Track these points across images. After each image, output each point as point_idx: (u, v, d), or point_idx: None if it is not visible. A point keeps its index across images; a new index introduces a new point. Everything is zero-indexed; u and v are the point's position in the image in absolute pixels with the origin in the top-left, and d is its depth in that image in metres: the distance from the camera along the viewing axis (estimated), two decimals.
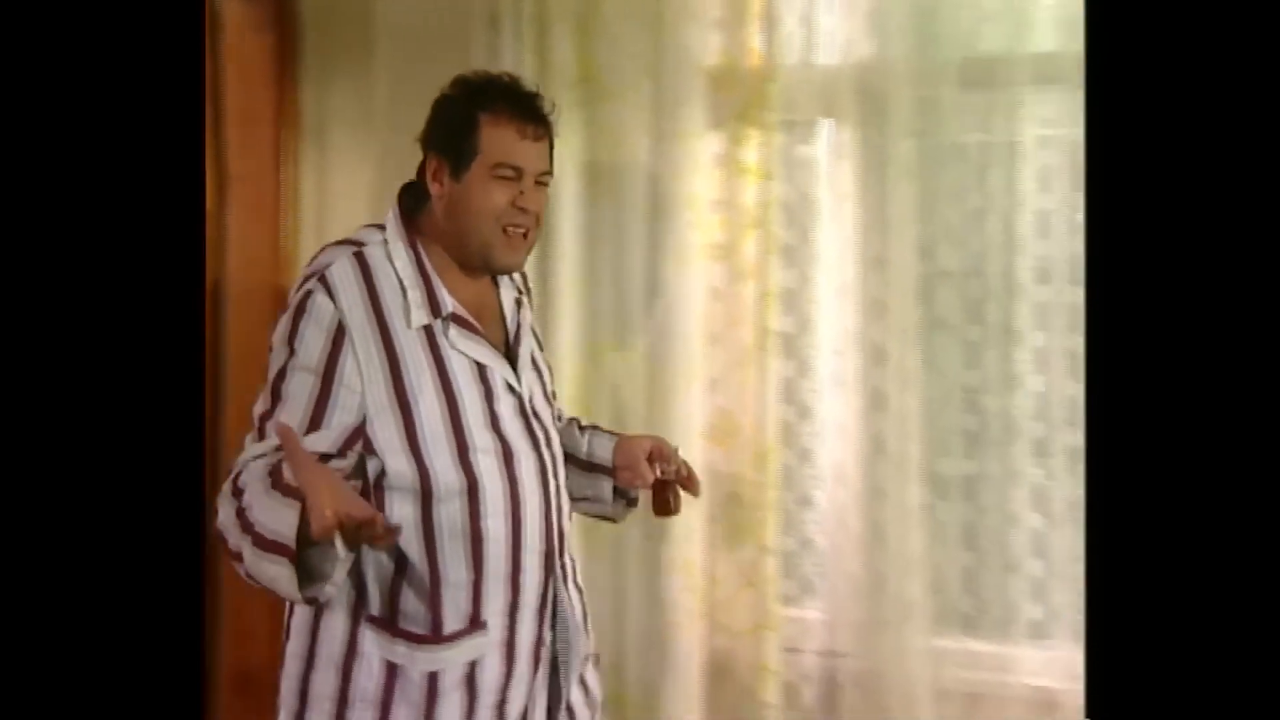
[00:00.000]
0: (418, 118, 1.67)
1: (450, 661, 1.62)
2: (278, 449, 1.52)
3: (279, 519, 1.44)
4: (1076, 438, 2.00)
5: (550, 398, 1.80)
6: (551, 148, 1.69)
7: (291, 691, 1.68)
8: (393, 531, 1.47)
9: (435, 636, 1.61)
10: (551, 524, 1.70)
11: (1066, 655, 2.01)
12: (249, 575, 1.50)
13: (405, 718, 1.63)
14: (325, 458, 1.55)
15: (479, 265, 1.68)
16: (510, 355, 1.71)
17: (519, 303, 1.78)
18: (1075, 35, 1.99)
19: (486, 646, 1.64)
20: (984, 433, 2.08)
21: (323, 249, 1.72)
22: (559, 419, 1.85)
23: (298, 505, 1.41)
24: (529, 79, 1.81)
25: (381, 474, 1.58)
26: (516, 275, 1.80)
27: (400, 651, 1.61)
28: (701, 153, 2.18)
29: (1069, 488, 2.01)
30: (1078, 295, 2.01)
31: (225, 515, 1.52)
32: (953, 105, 2.07)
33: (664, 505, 1.81)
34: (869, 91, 2.10)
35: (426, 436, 1.59)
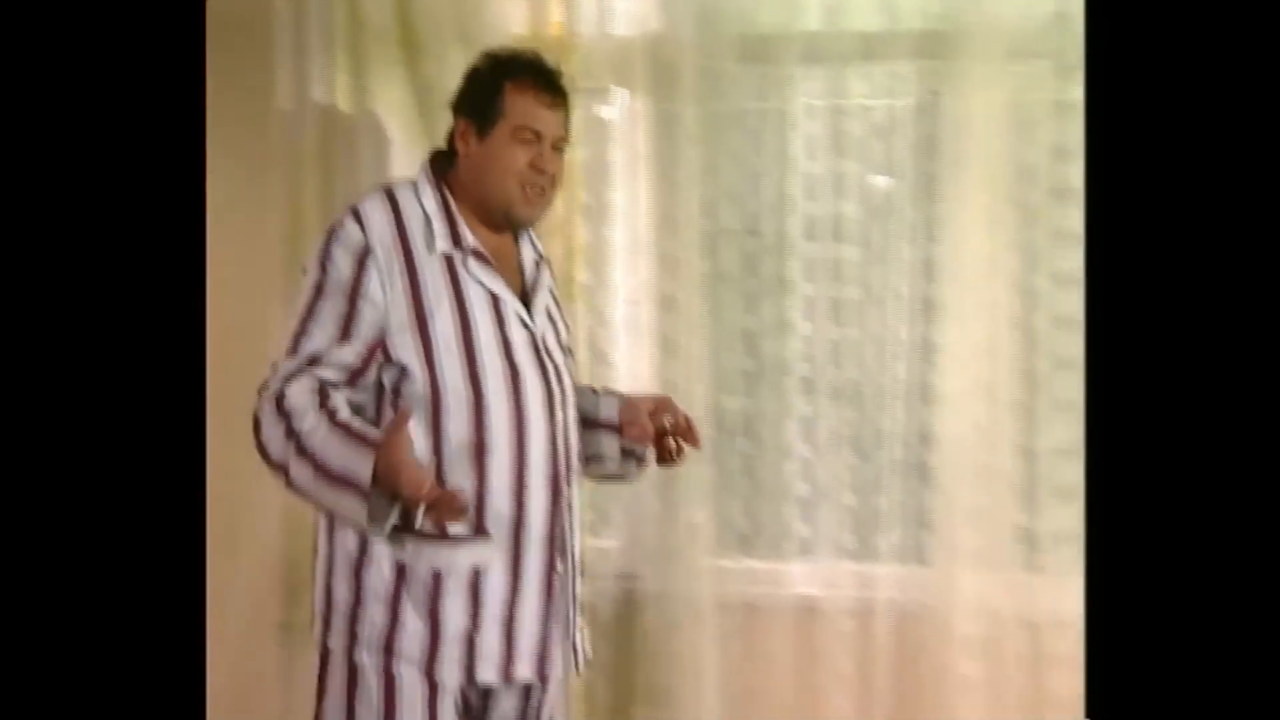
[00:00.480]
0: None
1: (453, 562, 1.73)
2: (310, 362, 1.70)
3: (353, 460, 1.62)
4: (839, 375, 2.27)
5: (566, 348, 1.91)
6: (568, 117, 1.84)
7: (320, 598, 1.81)
8: (465, 509, 1.63)
9: (440, 534, 1.72)
10: (558, 451, 1.80)
11: (828, 567, 2.29)
12: (300, 490, 1.68)
13: (412, 614, 1.74)
14: (351, 370, 1.71)
15: (500, 219, 1.81)
16: (525, 299, 1.83)
17: (538, 264, 1.90)
18: (839, 16, 2.25)
19: (489, 555, 1.75)
20: (761, 373, 2.31)
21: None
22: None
23: (372, 453, 1.60)
24: (344, 40, 1.93)
25: (401, 378, 1.71)
26: (539, 243, 1.93)
27: (408, 549, 1.72)
28: None
29: (833, 421, 2.28)
30: (841, 250, 2.27)
31: (272, 432, 1.68)
32: (732, 77, 2.29)
33: (665, 454, 1.89)
34: (660, 62, 2.29)
35: (440, 351, 1.72)
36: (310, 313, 1.74)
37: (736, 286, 2.33)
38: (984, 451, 2.23)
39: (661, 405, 1.90)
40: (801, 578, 2.32)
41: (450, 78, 1.92)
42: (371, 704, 1.74)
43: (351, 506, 1.63)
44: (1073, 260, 2.21)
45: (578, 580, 1.85)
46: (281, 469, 1.68)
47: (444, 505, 1.59)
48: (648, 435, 1.88)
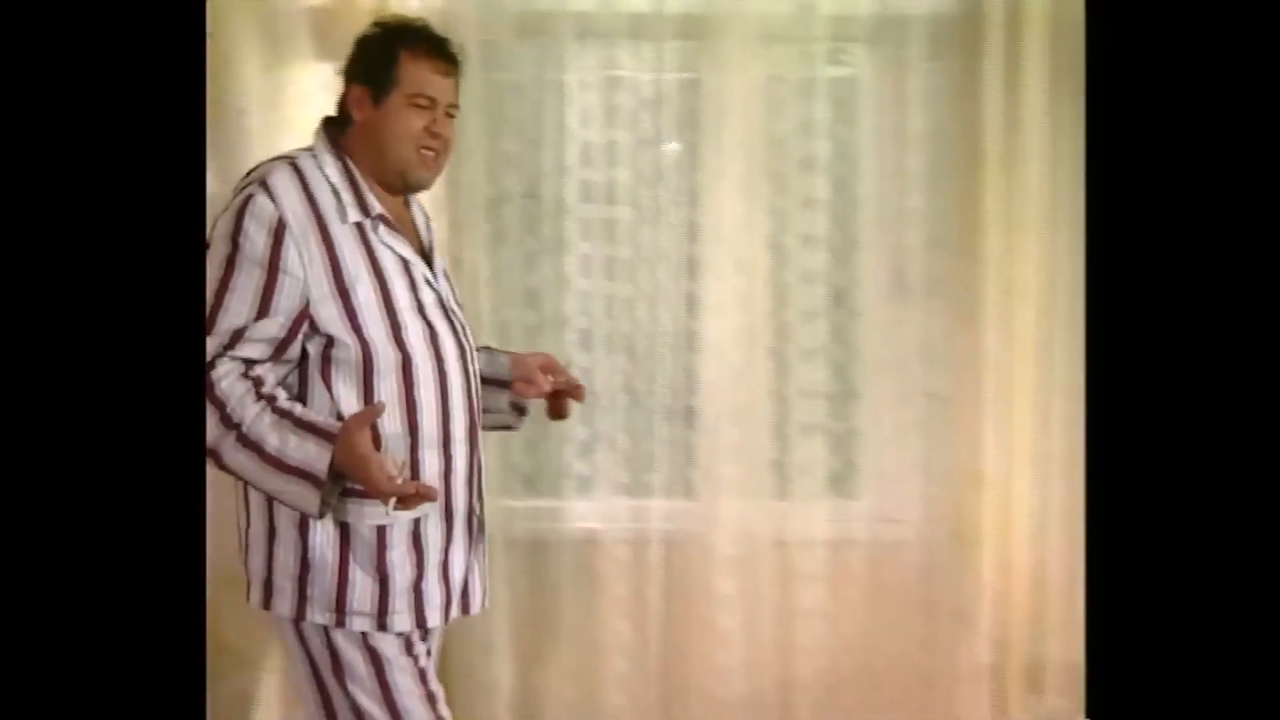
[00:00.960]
0: None
1: (396, 517, 1.75)
2: (233, 338, 1.68)
3: (308, 452, 1.64)
4: (613, 327, 2.46)
5: (460, 305, 1.94)
6: (459, 83, 1.87)
7: (259, 565, 1.79)
8: (435, 497, 1.69)
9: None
10: (472, 401, 1.86)
11: (605, 503, 2.49)
12: (236, 474, 1.70)
13: (359, 573, 1.75)
14: (277, 342, 1.70)
15: (396, 182, 1.83)
16: (427, 260, 1.87)
17: (429, 225, 1.95)
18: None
19: (426, 505, 1.76)
20: (541, 327, 2.46)
21: (256, 166, 1.82)
22: None
23: (329, 445, 1.63)
24: None
25: (329, 346, 1.71)
26: (425, 205, 1.96)
27: (350, 509, 1.74)
28: (309, 82, 2.35)
29: (608, 370, 2.47)
30: (614, 212, 2.45)
31: (209, 419, 1.66)
32: (512, 51, 2.41)
33: (557, 410, 2.00)
34: (446, 34, 2.39)
35: (364, 317, 1.73)
36: (226, 288, 1.70)
37: (518, 246, 2.46)
38: (742, 394, 2.46)
39: (548, 365, 1.99)
40: (581, 513, 2.50)
41: (244, 51, 1.95)
42: (326, 664, 1.77)
43: (302, 494, 1.65)
44: (818, 224, 2.48)
45: (482, 517, 1.92)
46: (212, 454, 1.67)
47: (420, 497, 1.64)
48: (540, 391, 1.97)
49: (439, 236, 2.49)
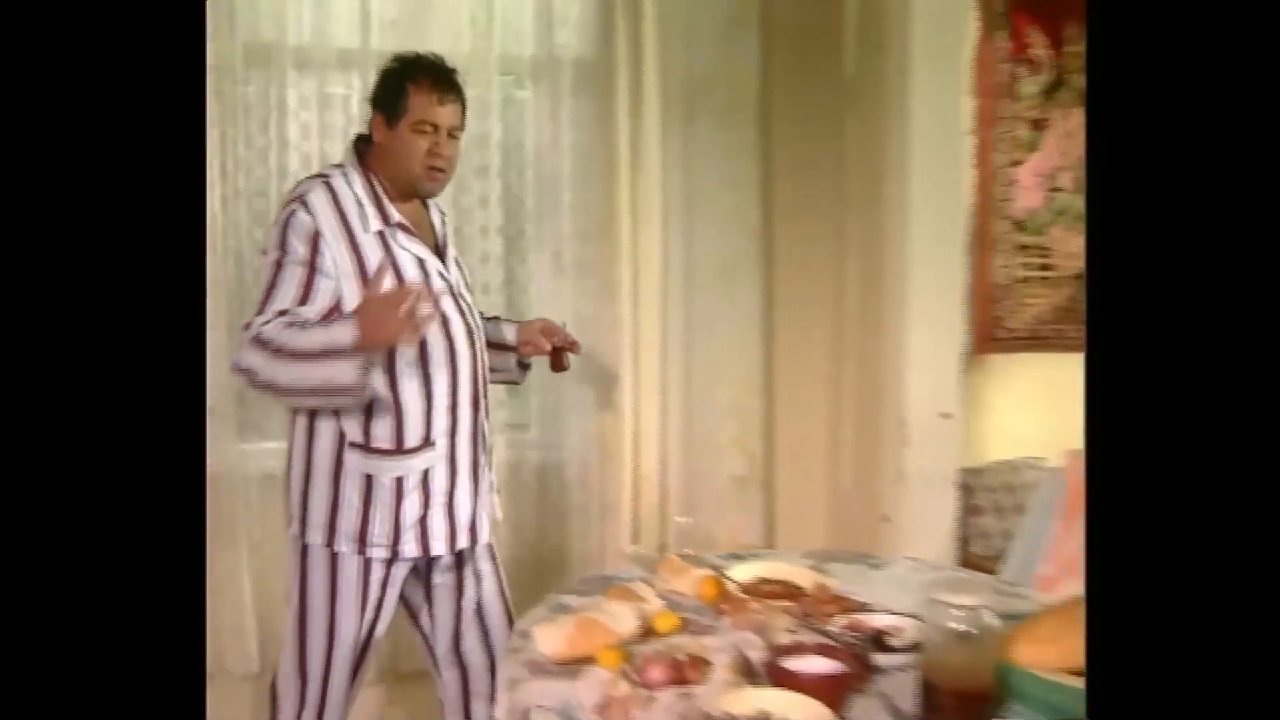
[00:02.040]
0: None
1: (410, 469, 2.14)
2: (279, 315, 2.01)
3: (334, 335, 1.96)
4: None
5: (470, 289, 2.31)
6: (464, 109, 2.19)
7: (297, 503, 2.17)
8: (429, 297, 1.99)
9: (399, 450, 2.13)
10: (477, 372, 2.22)
11: None
12: (291, 391, 2.01)
13: (379, 513, 2.14)
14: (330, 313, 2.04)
15: (410, 191, 2.18)
16: (440, 254, 2.22)
17: (444, 222, 2.31)
18: (324, 34, 2.96)
19: (435, 458, 2.16)
20: None
21: (299, 182, 2.18)
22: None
23: (351, 320, 1.95)
24: None
25: None
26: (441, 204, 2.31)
27: (373, 464, 2.13)
28: None
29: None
30: None
31: (254, 359, 1.99)
32: (242, 77, 2.92)
33: (557, 364, 2.40)
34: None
35: None
36: (275, 283, 2.06)
37: (246, 238, 2.94)
38: None
39: (547, 328, 2.39)
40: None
41: None
42: (351, 581, 2.16)
43: (343, 370, 1.95)
44: (492, 217, 3.14)
45: (490, 465, 2.30)
46: (269, 385, 2.01)
47: (421, 299, 1.94)
48: (541, 350, 2.38)
49: None
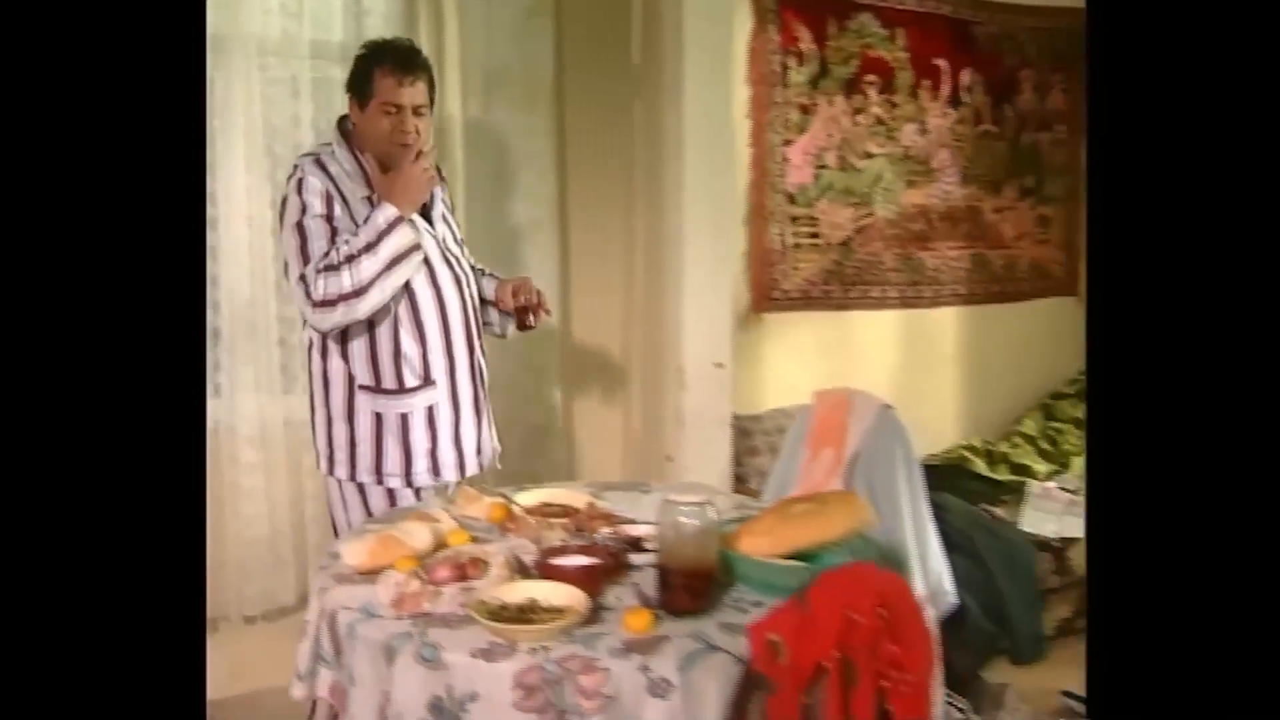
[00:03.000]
0: None
1: (414, 405, 2.44)
2: (324, 255, 2.29)
3: (379, 220, 2.30)
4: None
5: (460, 242, 2.58)
6: (430, 87, 2.44)
7: (323, 443, 2.51)
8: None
9: (401, 389, 2.42)
10: (469, 315, 2.50)
11: None
12: (375, 277, 2.28)
13: (391, 446, 2.44)
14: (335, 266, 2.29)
15: (389, 165, 2.41)
16: (426, 214, 2.46)
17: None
18: None
19: (437, 395, 2.45)
20: None
21: (298, 159, 2.45)
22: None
23: (384, 204, 2.31)
24: None
25: None
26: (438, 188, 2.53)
27: (381, 403, 2.43)
28: None
29: None
30: None
31: (336, 283, 2.27)
32: None
33: (522, 323, 2.60)
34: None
35: None
36: (307, 238, 2.34)
37: None
38: (257, 317, 3.27)
39: (520, 286, 2.58)
40: None
41: None
42: (381, 508, 2.45)
43: (404, 235, 2.32)
44: None
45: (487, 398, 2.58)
46: (358, 290, 2.28)
47: (424, 155, 2.36)
48: (508, 307, 2.58)
49: None
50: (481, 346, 2.58)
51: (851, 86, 4.12)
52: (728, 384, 3.34)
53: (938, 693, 1.82)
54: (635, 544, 2.04)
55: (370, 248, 2.29)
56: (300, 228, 2.35)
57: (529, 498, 2.32)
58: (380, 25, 3.34)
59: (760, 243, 3.93)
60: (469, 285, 2.55)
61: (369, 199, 2.39)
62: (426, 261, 2.42)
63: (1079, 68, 4.76)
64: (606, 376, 3.66)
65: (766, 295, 3.97)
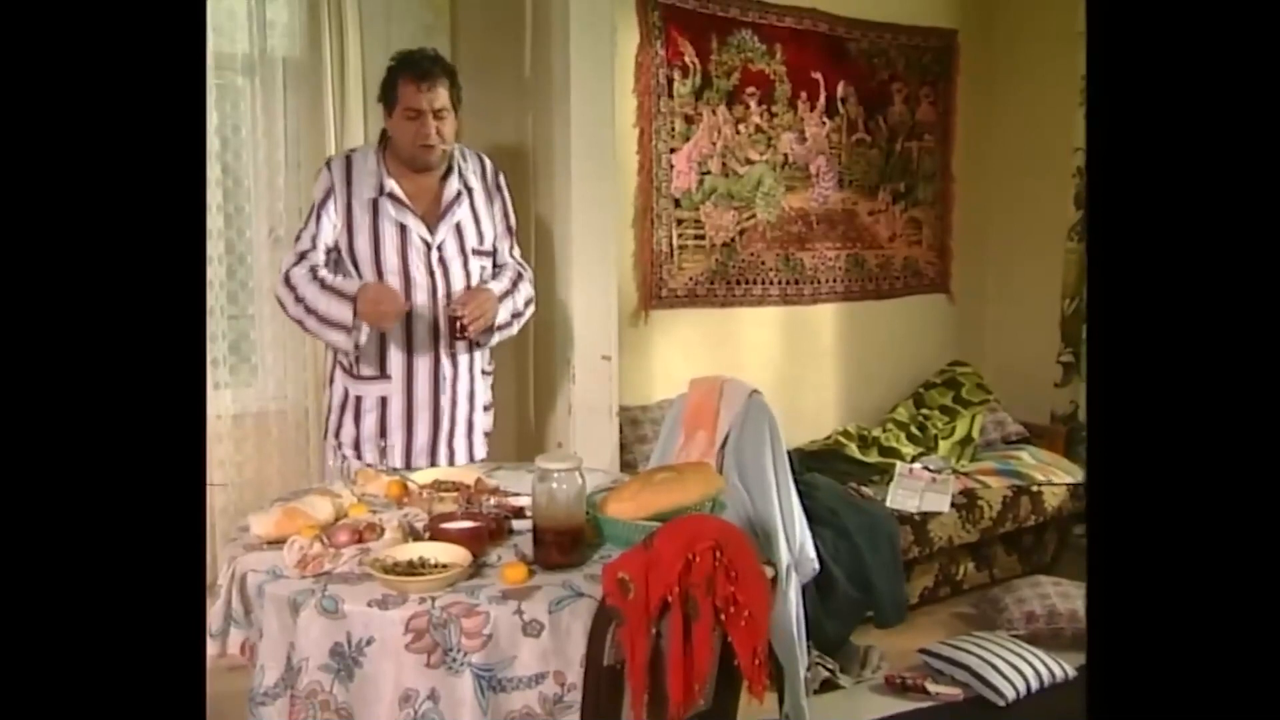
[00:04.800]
0: None
1: (367, 392, 2.80)
2: (300, 255, 2.72)
3: (336, 311, 2.62)
4: None
5: (468, 253, 2.80)
6: (450, 89, 2.68)
7: (325, 415, 2.94)
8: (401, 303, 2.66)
9: (358, 376, 2.81)
10: (437, 320, 2.76)
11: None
12: (308, 331, 2.72)
13: (347, 423, 2.84)
14: (326, 255, 2.74)
15: (414, 167, 2.73)
16: (435, 220, 2.73)
17: (459, 194, 2.78)
18: None
19: (390, 389, 2.78)
20: None
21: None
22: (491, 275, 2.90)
23: (349, 303, 2.59)
24: None
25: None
26: (471, 177, 2.85)
27: (351, 384, 2.83)
28: None
29: None
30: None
31: (285, 296, 2.70)
32: None
33: (453, 333, 2.75)
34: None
35: (361, 260, 2.72)
36: (305, 224, 2.78)
37: None
38: None
39: (460, 298, 2.75)
40: None
41: None
42: (343, 473, 2.73)
43: (339, 338, 2.65)
44: (214, 195, 3.52)
45: (470, 406, 2.88)
46: (297, 321, 2.69)
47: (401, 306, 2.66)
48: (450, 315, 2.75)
49: None
50: (454, 356, 2.84)
51: (733, 97, 4.41)
52: (614, 376, 3.60)
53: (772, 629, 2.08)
54: (517, 512, 2.28)
55: (312, 313, 2.68)
56: (308, 213, 2.81)
57: (424, 476, 2.55)
58: (284, 40, 3.53)
59: (647, 244, 4.20)
60: (449, 291, 2.80)
61: (374, 202, 2.73)
62: (405, 268, 2.73)
63: (944, 81, 5.14)
64: (503, 370, 3.89)
65: (654, 293, 4.24)
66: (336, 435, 2.86)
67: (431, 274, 2.75)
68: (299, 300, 2.68)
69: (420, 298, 2.74)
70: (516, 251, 3.02)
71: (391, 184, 2.73)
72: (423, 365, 2.78)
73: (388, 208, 2.72)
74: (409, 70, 2.65)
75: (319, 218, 2.74)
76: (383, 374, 2.79)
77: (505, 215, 2.95)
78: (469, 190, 2.83)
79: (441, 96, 2.68)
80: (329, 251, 2.76)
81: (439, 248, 2.74)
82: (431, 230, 2.74)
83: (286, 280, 2.71)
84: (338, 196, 2.73)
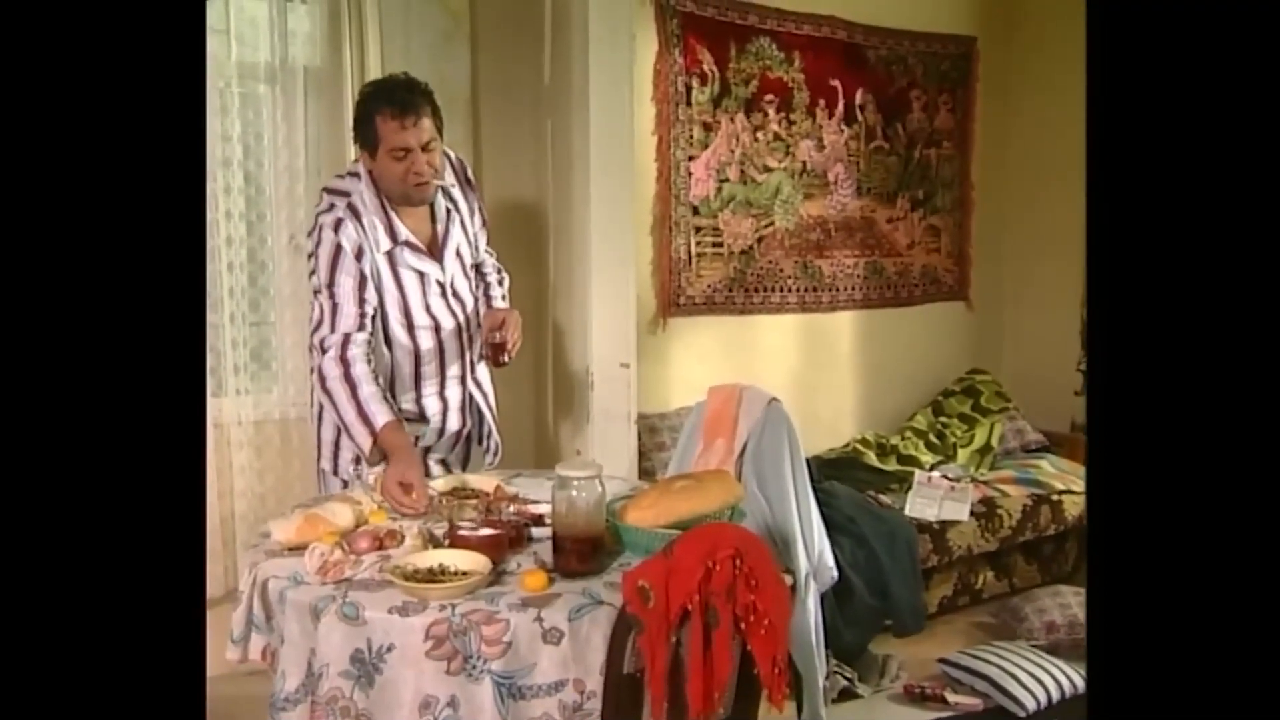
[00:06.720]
0: None
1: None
2: (345, 338, 2.45)
3: (359, 433, 2.43)
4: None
5: (469, 272, 2.68)
6: (434, 119, 2.39)
7: (316, 440, 2.76)
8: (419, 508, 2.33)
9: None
10: (464, 359, 2.69)
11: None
12: (335, 413, 2.48)
13: (343, 450, 2.67)
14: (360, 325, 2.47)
15: (406, 203, 2.48)
16: (441, 248, 2.55)
17: (449, 211, 2.59)
18: None
19: (426, 429, 2.69)
20: None
21: (325, 191, 2.54)
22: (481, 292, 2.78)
23: (370, 436, 2.41)
24: None
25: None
26: (452, 186, 2.61)
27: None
28: None
29: None
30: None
31: (331, 372, 2.42)
32: None
33: (493, 359, 2.69)
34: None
35: (390, 318, 2.52)
36: (333, 284, 2.47)
37: None
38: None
39: (493, 322, 2.66)
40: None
41: None
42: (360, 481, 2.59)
43: (353, 444, 2.50)
44: (236, 203, 3.55)
45: (486, 430, 2.83)
46: (329, 398, 2.46)
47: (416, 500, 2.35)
48: (485, 340, 2.68)
49: None
50: (477, 380, 2.80)
51: (751, 105, 4.42)
52: (632, 383, 3.60)
53: (794, 638, 2.07)
54: (537, 520, 2.29)
55: (334, 410, 2.49)
56: (332, 282, 2.46)
57: (444, 483, 2.55)
58: (305, 49, 3.56)
59: (666, 251, 4.21)
60: (469, 325, 2.71)
61: (390, 255, 2.52)
62: (432, 316, 2.61)
63: (963, 88, 5.13)
64: (522, 378, 3.90)
65: (673, 301, 4.25)
66: (334, 460, 2.71)
67: (452, 311, 2.66)
68: (327, 393, 2.48)
69: (450, 345, 2.69)
70: (485, 241, 2.88)
71: (406, 232, 2.51)
72: (453, 404, 2.77)
73: (406, 257, 2.52)
74: (388, 105, 2.37)
75: (362, 283, 2.46)
76: (421, 418, 2.71)
77: (480, 210, 2.79)
78: (454, 203, 2.64)
79: (427, 128, 2.40)
80: (373, 319, 2.53)
81: (451, 282, 2.64)
82: (441, 265, 2.60)
83: (324, 366, 2.47)
84: (366, 253, 2.46)
